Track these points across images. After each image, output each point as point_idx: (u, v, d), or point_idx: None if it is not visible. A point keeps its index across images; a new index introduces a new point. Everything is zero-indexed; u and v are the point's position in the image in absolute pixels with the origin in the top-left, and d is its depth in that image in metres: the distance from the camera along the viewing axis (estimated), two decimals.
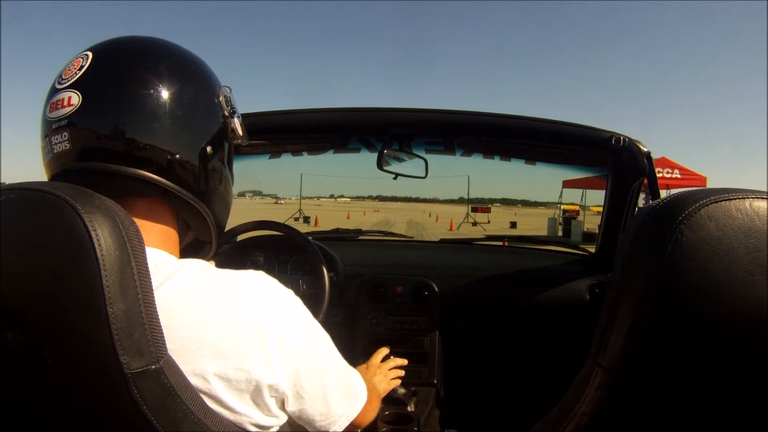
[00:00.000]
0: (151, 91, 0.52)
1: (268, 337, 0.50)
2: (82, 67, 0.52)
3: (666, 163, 10.68)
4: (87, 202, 0.42)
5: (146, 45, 0.56)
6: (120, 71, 0.52)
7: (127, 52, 0.54)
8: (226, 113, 0.60)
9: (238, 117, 0.62)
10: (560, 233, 13.79)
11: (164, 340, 0.44)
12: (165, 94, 0.53)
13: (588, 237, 10.31)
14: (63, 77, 0.52)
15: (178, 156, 0.54)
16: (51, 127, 0.52)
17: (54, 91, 0.52)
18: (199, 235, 0.62)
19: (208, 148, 0.57)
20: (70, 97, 0.51)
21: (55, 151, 0.51)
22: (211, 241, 0.62)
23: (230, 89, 0.62)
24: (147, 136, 0.52)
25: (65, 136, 0.51)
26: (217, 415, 0.48)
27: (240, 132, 0.62)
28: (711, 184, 11.56)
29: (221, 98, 0.60)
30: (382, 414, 1.17)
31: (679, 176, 10.58)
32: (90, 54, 0.53)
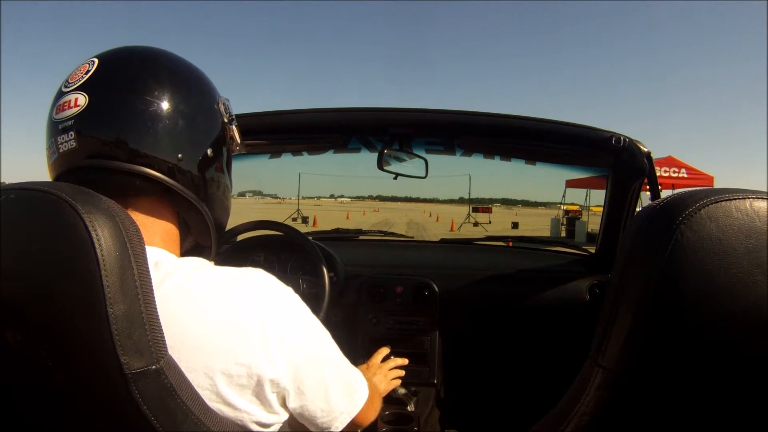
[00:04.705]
0: (154, 98, 0.54)
1: (269, 333, 0.50)
2: (88, 71, 0.54)
3: (673, 162, 10.62)
4: (87, 202, 0.42)
5: (150, 54, 0.58)
6: (125, 77, 0.54)
7: (132, 59, 0.56)
8: (226, 120, 0.62)
9: (236, 125, 0.65)
10: (563, 234, 13.76)
11: (164, 340, 0.44)
12: (167, 99, 0.54)
13: (592, 238, 10.27)
14: (69, 81, 0.54)
15: (179, 160, 0.55)
16: (57, 128, 0.53)
17: (60, 94, 0.54)
18: (198, 238, 0.63)
19: (209, 152, 0.59)
20: (76, 99, 0.52)
21: (61, 150, 0.53)
22: (211, 245, 0.63)
23: (228, 100, 0.64)
24: (150, 140, 0.53)
25: (71, 135, 0.52)
26: (218, 416, 0.48)
27: (238, 140, 0.65)
28: (719, 184, 11.48)
29: (221, 106, 0.62)
30: (382, 414, 1.17)
31: (685, 175, 10.50)
32: (96, 60, 0.55)
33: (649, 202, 0.92)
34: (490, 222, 17.48)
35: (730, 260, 0.40)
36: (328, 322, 0.96)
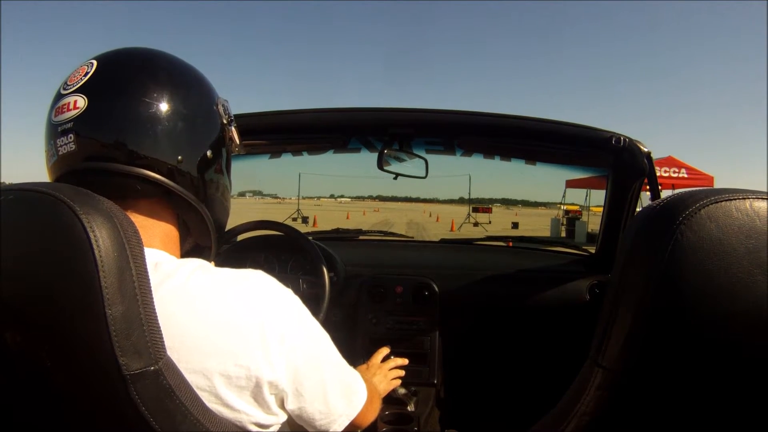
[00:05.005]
0: (153, 99, 0.53)
1: (268, 335, 0.50)
2: (87, 73, 0.53)
3: (673, 163, 10.62)
4: (85, 203, 0.42)
5: (148, 55, 0.57)
6: (124, 78, 0.54)
7: (131, 61, 0.56)
8: (225, 121, 0.62)
9: (235, 126, 0.64)
10: (563, 234, 13.76)
11: (163, 342, 0.44)
12: (166, 101, 0.54)
13: (592, 238, 10.26)
14: (68, 83, 0.54)
15: (178, 162, 0.55)
16: (56, 130, 0.52)
17: (59, 96, 0.53)
18: (198, 239, 0.62)
19: (208, 153, 0.59)
20: (75, 101, 0.52)
21: (60, 153, 0.52)
22: (211, 246, 0.63)
23: (227, 101, 0.64)
24: (149, 142, 0.53)
25: (71, 138, 0.52)
26: (217, 416, 0.48)
27: (237, 141, 0.65)
28: (719, 184, 11.48)
29: (219, 107, 0.61)
30: (382, 414, 1.17)
31: (686, 175, 10.51)
32: (95, 62, 0.55)
33: (649, 202, 0.92)
34: (490, 222, 17.48)
35: (730, 260, 0.40)
36: (328, 322, 0.96)
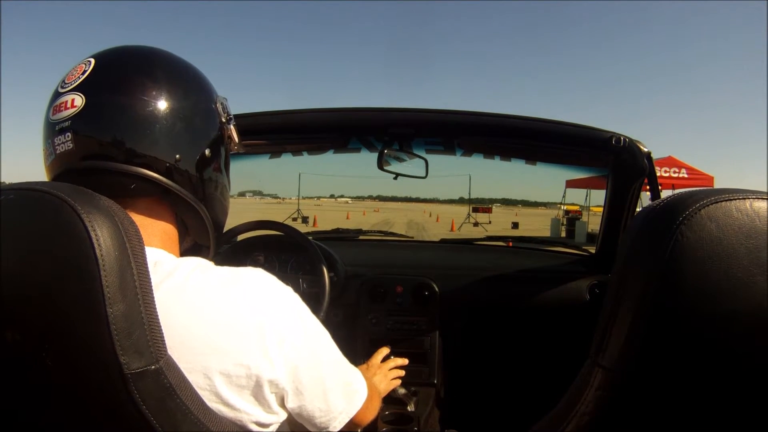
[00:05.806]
0: (151, 98, 0.53)
1: (268, 333, 0.50)
2: (85, 71, 0.53)
3: (673, 163, 10.64)
4: (86, 202, 0.42)
5: (147, 53, 0.57)
6: (122, 77, 0.54)
7: (129, 59, 0.56)
8: (224, 120, 0.62)
9: (234, 125, 0.64)
10: (563, 234, 13.77)
11: (164, 341, 0.44)
12: (164, 99, 0.54)
13: (592, 238, 10.27)
14: (66, 82, 0.54)
15: (177, 160, 0.55)
16: (54, 129, 0.52)
17: (57, 94, 0.53)
18: (197, 238, 0.62)
19: (207, 152, 0.59)
20: (73, 99, 0.52)
21: (57, 151, 0.52)
22: (209, 245, 0.63)
23: (226, 99, 0.64)
24: (147, 141, 0.53)
25: (68, 136, 0.52)
26: (217, 415, 0.48)
27: (236, 139, 0.64)
28: (719, 184, 11.49)
29: (218, 105, 0.61)
30: (382, 414, 1.17)
31: (686, 176, 10.53)
32: (93, 60, 0.54)
33: (649, 202, 0.92)
34: (490, 222, 17.48)
35: (730, 260, 0.40)
36: (328, 322, 0.96)
